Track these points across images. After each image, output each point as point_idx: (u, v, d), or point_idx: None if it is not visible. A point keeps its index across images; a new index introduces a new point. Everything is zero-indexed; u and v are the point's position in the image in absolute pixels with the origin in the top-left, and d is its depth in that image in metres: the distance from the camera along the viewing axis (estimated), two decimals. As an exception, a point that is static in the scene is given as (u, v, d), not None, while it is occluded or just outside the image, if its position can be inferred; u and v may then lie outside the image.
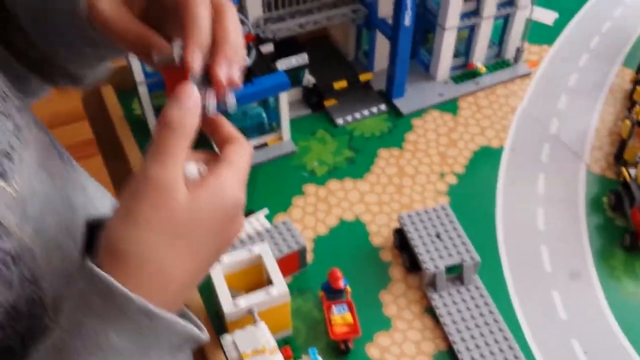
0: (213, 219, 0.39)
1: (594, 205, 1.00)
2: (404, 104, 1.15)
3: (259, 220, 0.93)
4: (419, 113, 1.15)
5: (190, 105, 0.39)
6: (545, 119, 1.14)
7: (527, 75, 1.23)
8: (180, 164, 0.38)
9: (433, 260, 0.85)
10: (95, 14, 0.43)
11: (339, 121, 1.13)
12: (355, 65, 1.23)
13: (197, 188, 0.38)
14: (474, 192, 1.02)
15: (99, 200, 0.59)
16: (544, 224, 0.97)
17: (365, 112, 1.14)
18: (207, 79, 0.41)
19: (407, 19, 1.02)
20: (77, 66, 0.55)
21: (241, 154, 0.42)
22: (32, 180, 0.44)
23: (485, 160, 1.07)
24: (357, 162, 1.06)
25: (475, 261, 0.85)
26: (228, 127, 0.43)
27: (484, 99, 1.18)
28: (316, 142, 1.10)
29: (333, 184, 1.03)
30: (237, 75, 0.41)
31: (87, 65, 0.55)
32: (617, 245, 0.94)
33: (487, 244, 0.93)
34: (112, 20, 0.43)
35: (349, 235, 0.95)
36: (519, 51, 1.22)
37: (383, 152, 1.08)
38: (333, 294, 0.82)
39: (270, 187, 1.02)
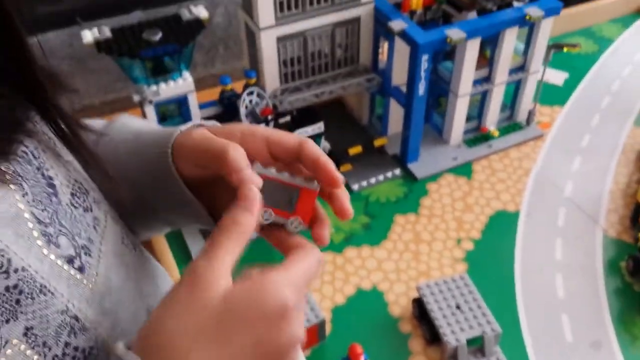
0: (248, 319, 0.36)
1: (612, 270, 1.00)
2: (418, 168, 1.17)
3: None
4: (433, 177, 1.16)
5: (251, 207, 0.40)
6: (560, 181, 1.15)
7: (539, 137, 1.24)
8: (229, 261, 0.38)
9: (454, 333, 0.85)
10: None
11: (355, 186, 1.14)
12: (369, 130, 1.25)
13: (238, 285, 0.38)
14: (491, 258, 1.02)
15: (167, 287, 0.59)
16: (563, 291, 0.97)
17: (380, 177, 1.15)
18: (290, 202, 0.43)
19: (421, 89, 1.05)
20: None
21: (301, 257, 0.40)
22: (109, 274, 0.44)
23: (502, 225, 1.07)
24: (373, 228, 1.07)
25: (496, 332, 0.85)
26: (294, 238, 0.43)
27: (497, 162, 1.19)
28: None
29: (350, 251, 1.04)
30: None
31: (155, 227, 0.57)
32: (637, 312, 0.94)
33: (507, 313, 0.93)
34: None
35: (367, 305, 0.96)
36: (531, 114, 1.24)
37: (399, 218, 1.09)
38: (353, 369, 0.82)
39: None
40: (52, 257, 0.38)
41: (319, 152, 0.43)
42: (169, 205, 0.49)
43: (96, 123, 0.57)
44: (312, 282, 0.40)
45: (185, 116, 1.01)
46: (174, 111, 1.01)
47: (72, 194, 0.42)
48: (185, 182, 0.47)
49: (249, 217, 0.39)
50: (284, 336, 0.37)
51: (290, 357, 0.37)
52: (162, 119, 1.00)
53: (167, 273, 0.63)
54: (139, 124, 0.55)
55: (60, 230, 0.39)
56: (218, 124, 0.48)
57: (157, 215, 0.53)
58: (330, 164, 0.43)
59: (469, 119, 1.22)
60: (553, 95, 1.35)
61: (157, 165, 0.47)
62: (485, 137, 1.22)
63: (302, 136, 0.44)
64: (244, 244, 0.39)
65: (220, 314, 0.36)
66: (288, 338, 0.37)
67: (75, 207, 0.42)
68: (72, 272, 0.40)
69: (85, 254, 0.42)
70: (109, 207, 0.48)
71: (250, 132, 0.44)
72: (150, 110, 0.95)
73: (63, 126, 0.43)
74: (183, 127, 0.47)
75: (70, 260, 0.40)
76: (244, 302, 0.36)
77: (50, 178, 0.40)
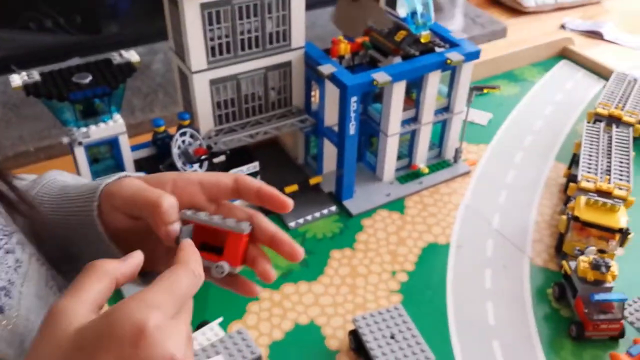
0: (98, 351, 0.33)
1: (540, 297, 1.04)
2: (353, 204, 1.19)
3: (213, 330, 0.93)
4: (368, 213, 1.19)
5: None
6: (487, 214, 1.20)
7: (467, 173, 1.30)
8: (90, 298, 0.36)
9: (388, 362, 0.86)
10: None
11: (291, 224, 1.15)
12: (304, 169, 1.28)
13: (92, 319, 0.35)
14: (424, 289, 1.04)
15: None
16: (493, 318, 1.00)
17: (317, 214, 1.17)
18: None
19: (352, 129, 1.09)
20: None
21: (164, 275, 0.38)
22: (29, 315, 0.44)
23: (434, 257, 1.10)
24: (310, 264, 1.08)
25: (429, 361, 0.86)
26: (180, 252, 0.41)
27: (428, 197, 1.24)
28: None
29: (287, 287, 1.04)
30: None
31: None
32: (564, 336, 0.97)
33: (441, 341, 0.95)
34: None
35: (304, 339, 0.96)
36: (457, 152, 1.29)
37: (335, 253, 1.10)
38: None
39: (224, 295, 1.01)
40: None
41: (256, 182, 0.43)
42: (92, 258, 0.50)
43: (26, 178, 0.57)
44: (185, 297, 0.37)
45: (117, 158, 1.01)
46: (106, 153, 1.01)
47: None
48: (115, 235, 0.47)
49: (108, 263, 0.39)
50: (148, 356, 0.34)
51: None
52: (94, 160, 1.00)
53: None
54: (67, 178, 0.55)
55: None
56: (145, 175, 0.48)
57: (79, 270, 0.53)
58: (273, 190, 0.43)
59: (400, 157, 1.26)
60: (478, 134, 1.42)
61: (82, 219, 0.46)
62: (416, 174, 1.26)
63: (236, 173, 0.45)
64: (106, 287, 0.38)
65: (70, 350, 0.34)
66: (154, 357, 0.34)
67: None
68: None
69: (5, 295, 0.42)
70: (35, 250, 0.48)
71: (182, 178, 0.45)
72: (80, 153, 0.95)
73: None
74: (110, 179, 0.47)
75: None
76: (93, 334, 0.34)
77: None
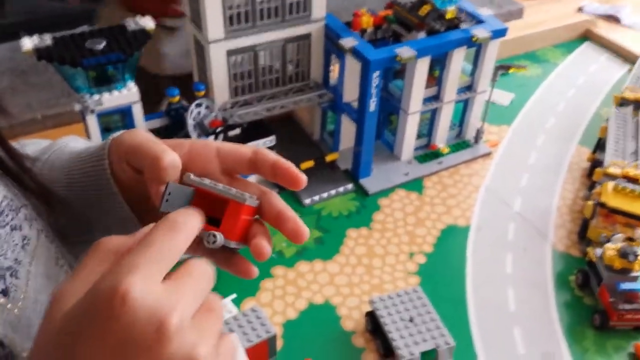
0: (82, 327, 0.29)
1: (562, 284, 1.01)
2: (370, 183, 1.16)
3: (226, 307, 0.90)
4: (385, 192, 1.15)
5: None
6: (509, 197, 1.16)
7: (488, 154, 1.26)
8: (93, 280, 0.31)
9: (408, 346, 0.83)
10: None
11: (307, 201, 1.12)
12: (320, 145, 1.24)
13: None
14: (443, 271, 1.01)
15: None
16: (514, 304, 0.97)
17: (333, 192, 1.14)
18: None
19: (372, 105, 1.05)
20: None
21: (145, 233, 0.33)
22: (39, 297, 0.41)
23: (453, 239, 1.07)
24: (326, 243, 1.05)
25: (450, 345, 0.84)
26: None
27: (448, 178, 1.20)
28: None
29: (302, 265, 1.01)
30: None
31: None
32: (587, 325, 0.94)
33: (460, 326, 0.92)
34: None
35: (319, 319, 0.93)
36: (479, 132, 1.25)
37: (352, 232, 1.07)
38: (305, 385, 0.79)
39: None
40: None
41: (275, 156, 0.39)
42: (107, 227, 0.46)
43: (39, 143, 0.54)
44: (170, 252, 0.31)
45: (130, 127, 0.98)
46: (118, 122, 0.98)
47: None
48: (127, 194, 0.43)
49: (114, 239, 0.34)
50: (129, 323, 0.28)
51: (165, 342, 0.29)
52: (106, 129, 0.96)
53: None
54: (80, 144, 0.51)
55: None
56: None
57: (94, 240, 0.50)
58: (289, 164, 0.39)
59: (419, 136, 1.22)
60: (500, 115, 1.37)
61: (95, 180, 0.43)
62: (436, 154, 1.23)
63: (255, 146, 0.40)
64: (113, 262, 0.32)
65: (58, 335, 0.30)
66: (139, 322, 0.28)
67: (1, 226, 0.39)
68: None
69: (11, 275, 0.39)
70: (44, 225, 0.44)
71: (200, 143, 0.41)
72: (92, 121, 0.92)
73: None
74: (120, 132, 0.43)
75: None
76: (78, 313, 0.29)
77: None
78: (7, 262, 0.38)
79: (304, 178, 0.39)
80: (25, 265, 0.40)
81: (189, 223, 0.33)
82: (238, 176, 0.41)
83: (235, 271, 0.39)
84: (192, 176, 0.37)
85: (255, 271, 0.39)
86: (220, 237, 0.37)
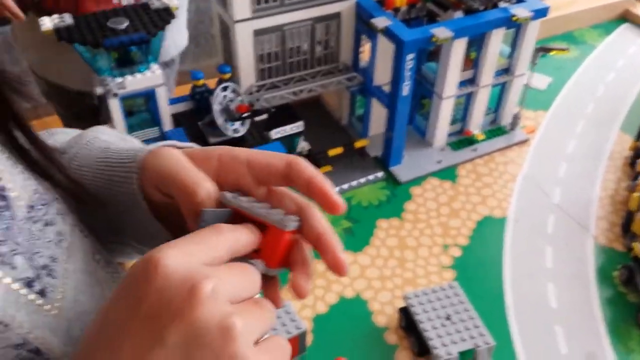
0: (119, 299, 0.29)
1: (604, 279, 0.95)
2: (401, 171, 1.11)
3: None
4: (417, 181, 1.10)
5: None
6: (547, 187, 1.11)
7: (524, 141, 1.20)
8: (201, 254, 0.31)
9: (445, 345, 0.79)
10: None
11: (335, 189, 1.07)
12: (349, 130, 1.19)
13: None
14: (479, 266, 0.96)
15: None
16: (555, 300, 0.92)
17: (362, 180, 1.09)
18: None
19: (406, 89, 0.99)
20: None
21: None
22: (78, 296, 0.38)
23: (489, 231, 1.02)
24: (355, 233, 1.01)
25: (489, 345, 0.79)
26: None
27: (483, 166, 1.14)
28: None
29: (331, 258, 0.97)
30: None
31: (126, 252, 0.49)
32: (632, 324, 0.89)
33: (498, 324, 0.87)
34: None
35: (350, 314, 0.89)
36: (516, 118, 1.19)
37: (382, 223, 1.03)
38: (337, 385, 0.75)
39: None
40: (7, 280, 0.32)
41: (311, 171, 0.35)
42: (138, 235, 0.43)
43: (67, 133, 0.50)
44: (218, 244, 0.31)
45: (154, 112, 0.94)
46: (141, 106, 0.94)
47: (30, 207, 0.36)
48: (157, 209, 0.40)
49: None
50: (155, 288, 0.28)
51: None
52: (129, 113, 0.92)
53: None
54: (111, 137, 0.47)
55: (14, 249, 0.33)
56: (195, 146, 0.41)
57: (124, 242, 0.46)
58: (326, 184, 0.35)
59: (453, 121, 1.17)
60: (537, 100, 1.31)
61: (124, 190, 0.40)
62: (470, 141, 1.17)
63: (290, 155, 0.36)
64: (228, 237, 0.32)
65: (99, 313, 0.30)
66: (163, 287, 0.28)
67: (34, 221, 0.36)
68: (32, 297, 0.34)
69: (48, 274, 0.35)
70: (77, 219, 0.41)
71: (229, 156, 0.37)
72: (114, 104, 0.88)
73: (19, 133, 0.37)
74: (152, 146, 0.40)
75: (29, 284, 0.34)
76: (117, 289, 0.30)
77: (2, 189, 0.34)
78: (43, 260, 0.35)
79: (341, 204, 0.35)
80: (61, 262, 0.37)
81: (235, 230, 0.32)
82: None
83: (270, 297, 0.36)
84: (228, 196, 0.35)
85: (281, 303, 0.37)
86: (261, 266, 0.34)
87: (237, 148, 0.38)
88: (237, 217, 0.35)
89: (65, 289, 0.37)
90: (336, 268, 0.35)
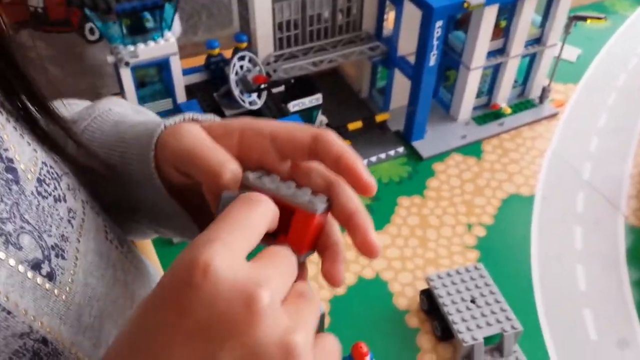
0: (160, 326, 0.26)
1: (636, 261, 0.91)
2: (424, 146, 1.06)
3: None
4: (440, 157, 1.06)
5: None
6: (577, 163, 1.06)
7: (553, 115, 1.15)
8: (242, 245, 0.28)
9: (470, 330, 0.75)
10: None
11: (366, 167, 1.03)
12: (369, 104, 1.15)
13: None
14: (505, 246, 0.92)
15: None
16: (585, 283, 0.88)
17: (382, 155, 1.05)
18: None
19: (433, 59, 0.94)
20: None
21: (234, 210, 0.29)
22: (89, 279, 0.35)
23: (516, 210, 0.98)
24: (375, 211, 0.97)
25: (517, 330, 0.76)
26: None
27: (509, 141, 1.10)
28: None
29: (350, 236, 0.93)
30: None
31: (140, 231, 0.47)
32: (666, 308, 0.85)
33: (525, 308, 0.84)
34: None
35: (369, 295, 0.86)
36: (545, 91, 1.14)
37: (403, 200, 0.99)
38: (357, 370, 0.72)
39: (281, 240, 0.92)
40: (11, 262, 0.29)
41: (339, 146, 0.32)
42: (153, 214, 0.40)
43: (77, 104, 0.47)
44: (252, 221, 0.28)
45: (167, 82, 0.90)
46: (154, 76, 0.90)
47: (40, 181, 0.33)
48: (175, 189, 0.37)
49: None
50: (206, 300, 0.25)
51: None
52: (140, 84, 0.89)
53: (160, 273, 0.52)
54: (125, 109, 0.44)
55: (22, 227, 0.30)
56: (216, 118, 0.37)
57: (139, 221, 0.43)
58: (358, 162, 0.32)
59: (478, 94, 1.11)
60: (566, 72, 1.25)
61: (139, 168, 0.37)
62: (496, 115, 1.12)
63: (317, 128, 0.33)
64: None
65: (134, 322, 0.26)
66: (214, 297, 0.25)
67: (43, 196, 0.33)
68: (39, 280, 0.31)
69: (57, 255, 0.32)
70: (88, 195, 0.38)
71: (252, 129, 0.34)
72: (126, 74, 0.84)
73: (28, 99, 0.34)
74: (170, 121, 0.36)
75: (36, 266, 0.31)
76: (155, 293, 0.26)
77: (10, 160, 0.31)
78: (52, 240, 0.32)
79: (373, 184, 0.32)
80: (72, 242, 0.34)
81: (264, 201, 0.30)
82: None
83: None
84: (250, 177, 0.32)
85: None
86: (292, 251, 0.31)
87: (259, 120, 0.34)
88: None
89: (76, 272, 0.34)
90: (368, 250, 0.32)
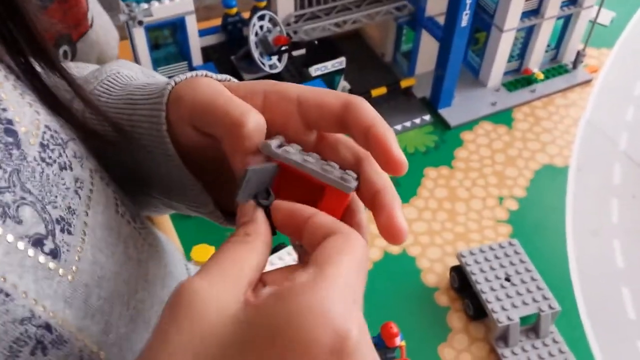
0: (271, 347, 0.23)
1: (677, 236, 0.86)
2: (451, 114, 1.01)
3: (291, 254, 0.79)
4: (469, 125, 1.00)
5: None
6: (613, 133, 1.00)
7: (587, 82, 1.08)
8: (241, 275, 0.25)
9: (505, 309, 0.71)
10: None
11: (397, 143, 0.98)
12: (393, 68, 1.09)
13: (257, 300, 0.24)
14: (538, 220, 0.88)
15: (181, 272, 0.45)
16: (622, 260, 0.84)
17: (407, 124, 1.00)
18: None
19: (465, 19, 0.88)
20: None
21: (344, 249, 0.25)
22: (98, 256, 0.31)
23: (550, 182, 0.93)
24: (401, 183, 0.92)
25: (554, 310, 0.72)
26: (321, 219, 0.27)
27: (541, 109, 1.04)
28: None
29: (374, 208, 0.89)
30: None
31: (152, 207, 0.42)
32: None
33: (560, 285, 0.79)
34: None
35: (396, 272, 0.82)
36: (579, 55, 1.07)
37: (430, 172, 0.94)
38: (385, 351, 0.68)
39: (302, 212, 0.88)
40: (9, 238, 0.26)
41: (371, 116, 0.28)
42: (165, 186, 0.36)
43: (83, 68, 0.43)
44: (362, 282, 0.25)
45: (182, 44, 0.84)
46: (168, 37, 0.84)
47: (43, 146, 0.29)
48: (185, 155, 0.33)
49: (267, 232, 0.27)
50: None
51: None
52: (154, 46, 0.83)
53: (178, 251, 0.48)
54: (134, 72, 0.40)
55: (22, 198, 0.27)
56: (233, 80, 0.33)
57: (151, 194, 0.39)
58: (390, 135, 0.27)
59: (509, 58, 1.05)
60: (600, 36, 1.18)
61: (149, 131, 0.33)
62: (528, 81, 1.06)
63: (348, 95, 0.28)
64: (263, 251, 0.26)
65: (232, 346, 0.23)
66: None
67: (47, 163, 0.29)
68: (42, 259, 0.27)
69: (63, 230, 0.29)
70: (97, 164, 0.34)
71: (277, 92, 0.30)
72: (139, 34, 0.78)
73: (33, 53, 0.31)
74: (182, 76, 0.32)
75: (37, 242, 0.27)
76: (264, 328, 0.23)
77: (10, 122, 0.28)
78: (58, 212, 0.28)
79: (405, 163, 0.27)
80: (80, 215, 0.30)
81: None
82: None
83: None
84: (272, 146, 0.27)
85: None
86: None
87: (285, 83, 0.30)
88: (283, 175, 0.28)
89: (83, 248, 0.30)
90: (392, 233, 0.27)
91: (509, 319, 0.71)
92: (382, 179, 0.28)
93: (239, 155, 0.28)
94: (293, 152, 0.27)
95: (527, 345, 0.72)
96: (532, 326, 0.73)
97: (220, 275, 0.24)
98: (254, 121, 0.28)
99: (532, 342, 0.72)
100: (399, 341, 0.68)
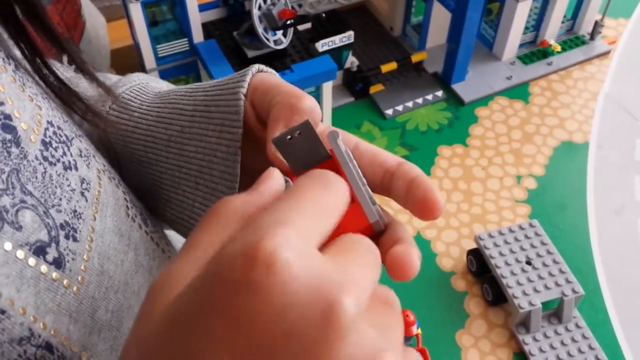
0: (195, 323, 0.19)
1: (703, 214, 0.83)
2: (465, 89, 0.96)
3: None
4: (484, 101, 0.96)
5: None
6: (634, 107, 0.96)
7: (606, 53, 1.04)
8: (209, 256, 0.20)
9: (526, 294, 0.68)
10: None
11: (388, 112, 0.94)
12: (403, 42, 1.04)
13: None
14: (559, 199, 0.84)
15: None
16: (647, 240, 0.80)
17: (419, 100, 0.96)
18: None
19: (481, -12, 0.83)
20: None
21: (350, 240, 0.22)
22: (106, 265, 0.29)
23: (569, 159, 0.89)
24: (413, 162, 0.88)
25: (578, 295, 0.68)
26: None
27: (559, 83, 0.99)
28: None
29: (386, 189, 0.85)
30: None
31: None
32: None
33: (582, 268, 0.76)
34: None
35: (410, 255, 0.78)
36: (597, 25, 1.02)
37: (444, 150, 0.90)
38: (402, 339, 0.65)
39: (311, 195, 0.84)
40: (7, 246, 0.23)
41: (422, 172, 0.27)
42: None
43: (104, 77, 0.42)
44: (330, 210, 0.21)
45: (181, 20, 0.80)
46: (167, 14, 0.80)
47: (45, 143, 0.27)
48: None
49: (233, 200, 0.23)
50: (270, 306, 0.17)
51: None
52: (152, 23, 0.79)
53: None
54: (161, 85, 0.40)
55: (22, 201, 0.24)
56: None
57: (163, 215, 0.38)
58: (429, 186, 0.26)
59: (524, 30, 1.00)
60: (617, 6, 1.13)
61: (223, 115, 0.32)
62: (544, 53, 1.01)
63: (400, 159, 0.28)
64: (237, 229, 0.22)
65: (162, 332, 0.19)
66: (283, 303, 0.17)
67: (50, 162, 0.27)
68: (44, 269, 0.25)
69: (68, 236, 0.26)
70: (105, 163, 0.33)
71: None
72: (137, 11, 0.74)
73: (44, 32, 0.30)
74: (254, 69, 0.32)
75: (39, 250, 0.25)
76: (191, 292, 0.18)
77: (8, 117, 0.25)
78: (62, 217, 0.26)
79: (440, 205, 0.26)
80: (87, 220, 0.28)
81: (342, 183, 0.22)
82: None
83: None
84: (339, 139, 0.25)
85: None
86: None
87: (344, 131, 0.29)
88: (327, 166, 0.25)
89: (90, 257, 0.28)
90: (429, 207, 0.25)
91: (530, 304, 0.67)
92: (415, 170, 0.26)
93: (282, 123, 0.27)
94: (352, 157, 0.25)
95: (549, 330, 0.69)
96: (554, 311, 0.70)
97: (188, 256, 0.21)
98: (313, 102, 0.28)
99: (555, 327, 0.69)
100: (415, 330, 0.65)
